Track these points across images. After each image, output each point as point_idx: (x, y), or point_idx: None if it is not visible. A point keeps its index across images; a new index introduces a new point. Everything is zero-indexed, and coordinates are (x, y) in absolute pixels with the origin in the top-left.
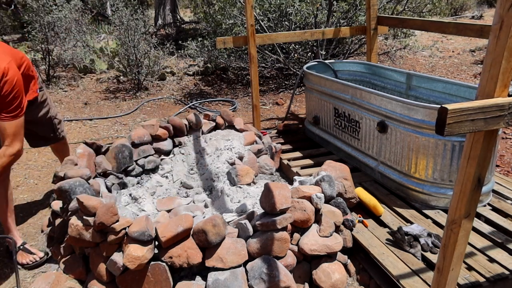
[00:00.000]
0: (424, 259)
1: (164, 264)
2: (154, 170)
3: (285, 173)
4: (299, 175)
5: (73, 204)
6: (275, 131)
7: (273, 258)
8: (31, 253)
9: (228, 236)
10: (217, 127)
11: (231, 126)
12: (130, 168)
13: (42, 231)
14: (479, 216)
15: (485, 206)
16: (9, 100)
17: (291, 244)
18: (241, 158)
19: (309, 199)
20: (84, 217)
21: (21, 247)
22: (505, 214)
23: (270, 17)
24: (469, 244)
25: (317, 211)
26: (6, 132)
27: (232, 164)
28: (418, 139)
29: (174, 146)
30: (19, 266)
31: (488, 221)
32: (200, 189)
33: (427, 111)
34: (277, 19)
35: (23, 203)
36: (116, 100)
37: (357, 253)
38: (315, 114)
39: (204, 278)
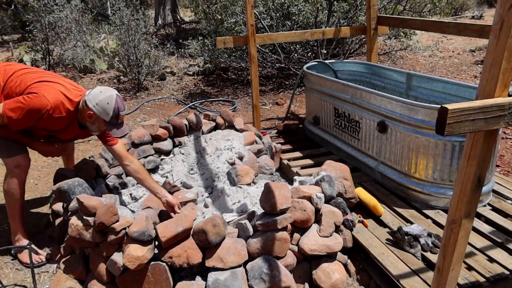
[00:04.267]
0: (424, 259)
1: (164, 264)
2: (154, 170)
3: (285, 173)
4: (299, 175)
5: (73, 204)
6: (275, 131)
7: (273, 258)
8: (37, 253)
9: (228, 236)
10: (217, 127)
11: (231, 126)
12: None
13: (42, 231)
14: (479, 216)
15: (485, 206)
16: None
17: (291, 244)
18: (241, 158)
19: (309, 199)
20: (84, 217)
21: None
22: (505, 214)
23: (272, 16)
24: (469, 244)
25: (317, 211)
26: None
27: (232, 164)
28: (418, 139)
29: (174, 146)
30: (21, 266)
31: (488, 221)
32: (201, 188)
33: (427, 111)
34: (280, 18)
35: None
36: None
37: (357, 253)
38: (315, 114)
39: (204, 278)
